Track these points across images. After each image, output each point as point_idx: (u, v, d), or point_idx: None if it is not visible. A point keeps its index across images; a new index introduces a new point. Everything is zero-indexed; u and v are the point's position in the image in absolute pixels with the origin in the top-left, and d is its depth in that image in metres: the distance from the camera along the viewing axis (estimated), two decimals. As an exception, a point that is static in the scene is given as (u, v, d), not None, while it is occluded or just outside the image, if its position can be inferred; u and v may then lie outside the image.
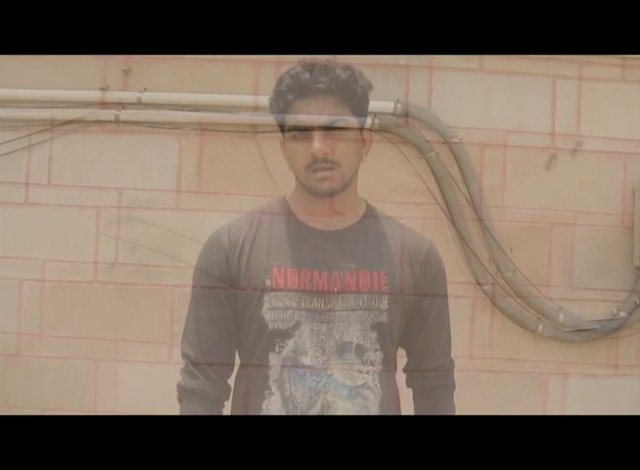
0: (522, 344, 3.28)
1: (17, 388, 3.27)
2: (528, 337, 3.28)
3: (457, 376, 2.07)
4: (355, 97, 1.87)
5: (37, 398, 3.24)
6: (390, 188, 3.19)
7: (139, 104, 3.25)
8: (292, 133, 1.86)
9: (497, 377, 3.26)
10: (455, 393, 2.07)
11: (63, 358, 3.23)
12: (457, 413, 2.05)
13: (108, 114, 3.25)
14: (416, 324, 1.97)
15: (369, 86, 1.91)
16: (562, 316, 3.26)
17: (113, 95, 3.26)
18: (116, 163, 3.27)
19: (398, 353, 1.99)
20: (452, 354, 2.07)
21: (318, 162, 1.84)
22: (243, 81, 3.24)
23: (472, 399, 3.06)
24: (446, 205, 3.24)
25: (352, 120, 1.87)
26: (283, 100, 1.87)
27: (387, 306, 1.88)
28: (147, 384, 3.19)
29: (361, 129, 1.90)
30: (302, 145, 1.85)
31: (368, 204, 1.99)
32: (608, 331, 3.26)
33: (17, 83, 3.27)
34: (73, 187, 3.25)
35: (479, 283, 3.25)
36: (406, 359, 2.04)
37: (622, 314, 3.25)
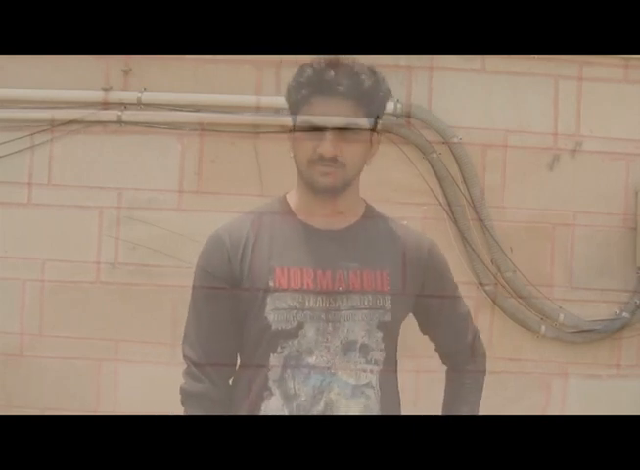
0: (523, 344, 3.27)
1: (17, 388, 3.27)
2: (530, 337, 3.27)
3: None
4: (374, 104, 1.87)
5: (37, 398, 3.24)
6: (393, 188, 3.18)
7: (139, 104, 3.25)
8: (303, 126, 1.86)
9: (498, 377, 3.23)
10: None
11: (63, 358, 3.23)
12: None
13: (108, 114, 3.25)
14: (434, 314, 2.02)
15: (389, 94, 1.91)
16: (562, 316, 3.25)
17: (113, 95, 3.25)
18: (117, 163, 3.27)
19: (403, 354, 1.99)
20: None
21: (325, 161, 1.84)
22: (243, 82, 3.24)
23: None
24: (449, 205, 3.24)
25: (365, 124, 1.87)
26: (301, 91, 1.86)
27: (391, 306, 1.88)
28: (147, 384, 3.19)
29: (371, 132, 1.89)
30: (312, 141, 1.84)
31: (367, 204, 1.99)
32: (610, 332, 3.25)
33: (17, 83, 3.26)
34: (74, 187, 3.25)
35: (481, 283, 3.25)
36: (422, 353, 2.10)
37: (625, 315, 3.25)
